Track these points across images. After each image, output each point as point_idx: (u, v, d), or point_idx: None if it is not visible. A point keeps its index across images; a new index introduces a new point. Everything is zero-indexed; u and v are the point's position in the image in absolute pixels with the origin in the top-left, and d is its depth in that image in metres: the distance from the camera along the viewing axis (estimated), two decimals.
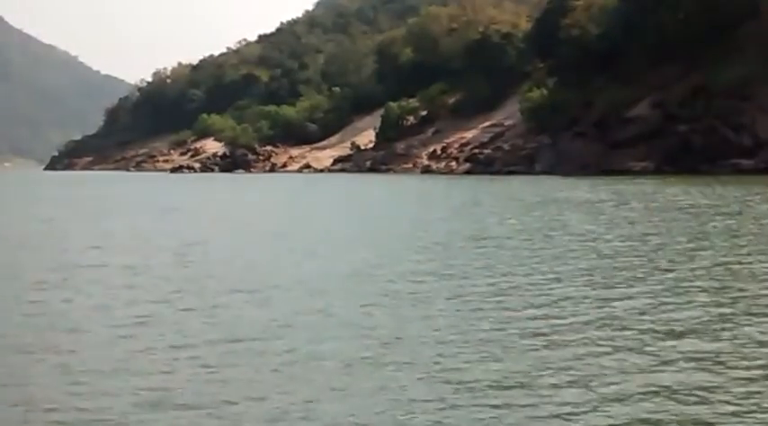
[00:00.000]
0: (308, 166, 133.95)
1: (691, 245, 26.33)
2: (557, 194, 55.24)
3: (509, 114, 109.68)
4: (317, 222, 42.42)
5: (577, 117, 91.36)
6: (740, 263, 22.50)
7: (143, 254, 27.13)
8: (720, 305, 16.82)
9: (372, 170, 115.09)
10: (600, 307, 16.78)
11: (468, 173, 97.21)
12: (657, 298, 17.52)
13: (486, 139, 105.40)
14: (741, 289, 18.56)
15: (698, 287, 18.95)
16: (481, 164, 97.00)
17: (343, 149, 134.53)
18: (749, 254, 24.08)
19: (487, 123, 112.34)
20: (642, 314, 16.10)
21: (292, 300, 18.46)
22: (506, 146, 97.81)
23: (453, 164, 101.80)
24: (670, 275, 20.71)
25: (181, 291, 19.64)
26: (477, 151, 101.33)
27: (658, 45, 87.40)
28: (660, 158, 79.42)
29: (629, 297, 17.79)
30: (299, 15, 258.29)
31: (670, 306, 16.70)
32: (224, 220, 44.80)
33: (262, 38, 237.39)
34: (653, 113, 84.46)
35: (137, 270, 23.43)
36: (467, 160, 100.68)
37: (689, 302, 17.12)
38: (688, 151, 77.00)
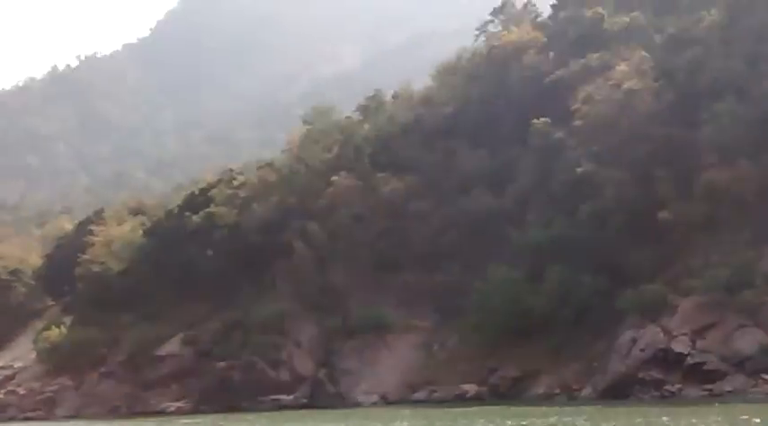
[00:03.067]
0: None
1: None
2: None
3: (20, 355, 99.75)
4: None
5: (104, 356, 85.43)
6: None
7: None
8: None
9: None
10: None
11: None
12: None
13: None
14: None
15: None
16: None
17: None
18: None
19: None
20: None
21: None
22: (21, 390, 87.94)
23: None
24: None
25: None
26: None
27: (188, 281, 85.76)
28: (197, 397, 75.98)
29: None
30: None
31: None
32: None
33: None
34: (185, 351, 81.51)
35: None
36: None
37: None
38: (227, 388, 74.53)
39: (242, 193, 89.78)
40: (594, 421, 41.54)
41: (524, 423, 42.29)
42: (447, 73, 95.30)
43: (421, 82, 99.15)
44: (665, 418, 39.27)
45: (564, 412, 48.27)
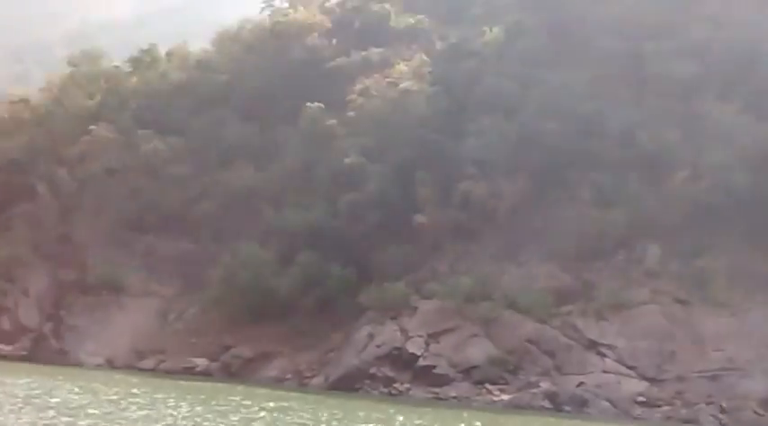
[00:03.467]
0: None
1: None
2: None
3: None
4: None
5: None
6: None
7: None
8: None
9: None
10: None
11: None
12: None
13: None
14: None
15: None
16: None
17: None
18: None
19: None
20: None
21: None
22: None
23: None
24: None
25: None
26: None
27: None
28: None
29: None
30: None
31: None
32: None
33: None
34: None
35: None
36: None
37: None
38: None
39: None
40: (319, 410, 41.74)
41: (247, 403, 41.85)
42: (227, 40, 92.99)
43: (195, 44, 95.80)
44: (400, 417, 39.94)
45: (292, 398, 48.28)
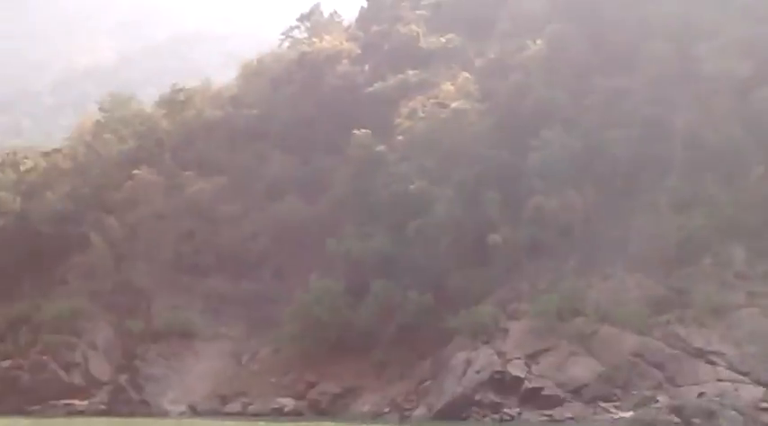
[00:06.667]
0: None
1: None
2: None
3: None
4: None
5: None
6: None
7: None
8: None
9: None
10: None
11: None
12: None
13: None
14: None
15: None
16: None
17: None
18: None
19: None
20: None
21: None
22: None
23: None
24: None
25: None
26: None
27: None
28: None
29: None
30: None
31: None
32: None
33: None
34: None
35: None
36: None
37: None
38: (13, 390, 67.88)
39: (29, 179, 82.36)
40: None
41: None
42: (250, 75, 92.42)
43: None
44: None
45: None
